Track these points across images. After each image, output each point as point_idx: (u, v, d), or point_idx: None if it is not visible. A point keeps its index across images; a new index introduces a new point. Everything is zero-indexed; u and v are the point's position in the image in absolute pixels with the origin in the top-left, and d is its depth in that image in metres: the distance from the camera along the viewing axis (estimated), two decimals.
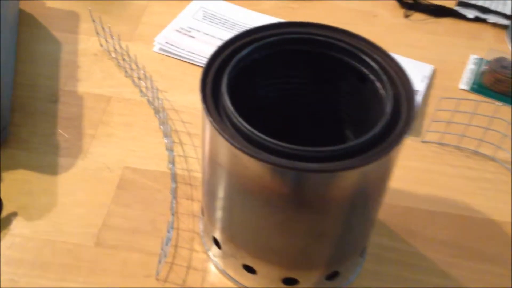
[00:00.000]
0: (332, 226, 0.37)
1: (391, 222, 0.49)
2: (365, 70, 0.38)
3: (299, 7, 0.69)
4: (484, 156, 0.54)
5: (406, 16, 0.71)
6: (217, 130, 0.33)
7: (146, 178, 0.50)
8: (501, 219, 0.49)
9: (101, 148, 0.52)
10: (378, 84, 0.37)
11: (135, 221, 0.47)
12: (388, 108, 0.35)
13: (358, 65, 0.38)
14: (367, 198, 0.37)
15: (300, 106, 0.42)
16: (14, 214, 0.46)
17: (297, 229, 0.37)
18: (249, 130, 0.33)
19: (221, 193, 0.38)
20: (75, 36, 0.63)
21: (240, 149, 0.32)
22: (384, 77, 0.36)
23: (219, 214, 0.40)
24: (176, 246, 0.45)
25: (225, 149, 0.34)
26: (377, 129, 0.33)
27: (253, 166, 0.33)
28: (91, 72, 0.59)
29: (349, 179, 0.34)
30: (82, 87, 0.57)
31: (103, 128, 0.54)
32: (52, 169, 0.50)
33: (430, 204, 0.50)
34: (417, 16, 0.70)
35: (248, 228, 0.38)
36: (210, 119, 0.34)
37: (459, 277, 0.45)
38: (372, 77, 0.37)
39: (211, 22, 0.66)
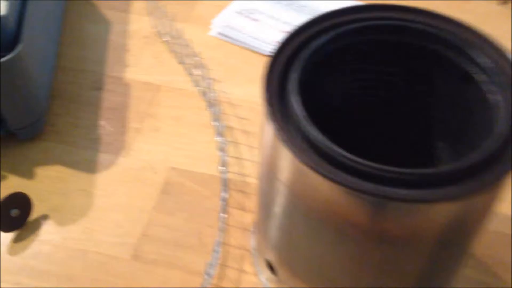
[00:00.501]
0: (415, 264, 0.30)
1: (479, 251, 0.40)
2: (471, 69, 0.29)
3: None
4: None
5: (504, 2, 0.61)
6: (282, 141, 0.26)
7: (193, 182, 0.44)
8: None
9: (146, 145, 0.46)
10: (487, 87, 0.29)
11: (178, 233, 0.40)
12: (504, 121, 0.26)
13: (462, 61, 0.30)
14: (465, 232, 0.29)
15: (381, 109, 0.34)
16: (44, 217, 0.41)
17: (372, 265, 0.29)
18: (324, 143, 0.25)
19: (280, 211, 0.31)
20: (126, 16, 0.57)
21: (313, 169, 0.25)
22: (497, 79, 0.28)
23: (275, 234, 0.33)
24: (223, 265, 0.39)
25: (289, 164, 0.27)
26: (488, 148, 0.25)
27: (326, 189, 0.26)
28: (140, 57, 0.53)
29: (448, 211, 0.26)
30: (130, 74, 0.51)
31: (149, 121, 0.48)
32: (90, 166, 0.44)
33: None
34: None
35: (311, 257, 0.31)
36: (275, 127, 0.26)
37: None
38: (480, 77, 0.29)
39: (275, 3, 0.58)
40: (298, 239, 0.31)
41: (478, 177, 0.25)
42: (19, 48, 0.40)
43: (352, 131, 0.32)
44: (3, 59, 0.39)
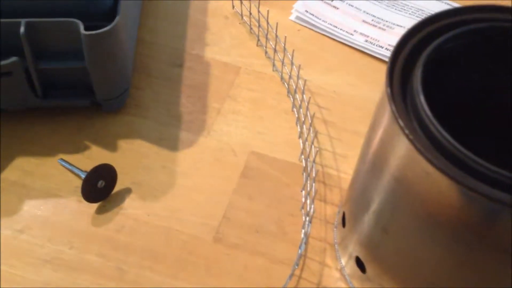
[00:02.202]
0: None
1: None
2: None
3: None
4: None
5: None
6: (412, 143, 0.25)
7: (273, 168, 0.43)
8: None
9: (226, 126, 0.46)
10: None
11: (259, 218, 0.40)
12: None
13: None
14: None
15: (497, 112, 0.34)
16: (128, 191, 0.41)
17: (483, 276, 0.29)
18: (454, 147, 0.25)
19: (382, 207, 0.31)
20: None
21: (447, 175, 0.24)
22: None
23: (370, 230, 0.33)
24: (304, 257, 0.39)
25: (411, 164, 0.27)
26: None
27: (454, 194, 0.25)
28: (220, 36, 0.53)
29: None
30: (210, 53, 0.51)
31: (229, 103, 0.47)
32: (172, 144, 0.44)
33: None
34: None
35: (412, 258, 0.31)
36: (402, 125, 0.26)
37: None
38: None
39: None
40: (400, 238, 0.31)
41: None
42: (117, 19, 0.40)
43: (468, 132, 0.32)
44: (103, 30, 0.39)
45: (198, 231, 0.39)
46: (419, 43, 0.30)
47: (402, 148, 0.27)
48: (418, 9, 0.55)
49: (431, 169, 0.25)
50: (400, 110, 0.27)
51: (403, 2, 0.56)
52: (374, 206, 0.32)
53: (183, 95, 0.48)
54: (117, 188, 0.41)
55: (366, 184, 0.32)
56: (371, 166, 0.31)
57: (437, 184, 0.26)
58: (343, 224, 0.38)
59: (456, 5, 0.31)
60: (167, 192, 0.41)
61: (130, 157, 0.43)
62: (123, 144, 0.44)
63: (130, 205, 0.41)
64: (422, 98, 0.27)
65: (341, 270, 0.38)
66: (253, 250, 0.39)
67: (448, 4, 0.55)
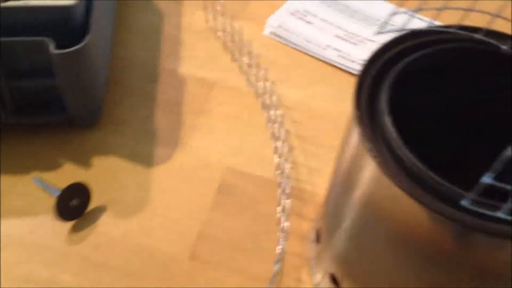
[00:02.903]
0: None
1: None
2: None
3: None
4: None
5: None
6: (378, 165, 0.26)
7: (249, 184, 0.44)
8: None
9: (201, 142, 0.46)
10: None
11: (236, 234, 0.41)
12: None
13: None
14: None
15: (464, 127, 0.35)
16: (102, 209, 0.41)
17: None
18: (420, 169, 0.26)
19: (354, 225, 0.32)
20: (179, 9, 0.57)
21: (413, 197, 0.25)
22: None
23: (344, 246, 0.34)
24: (281, 272, 0.39)
25: (377, 183, 0.27)
26: None
27: (419, 215, 0.26)
28: (195, 51, 0.53)
29: None
30: (185, 68, 0.51)
31: (204, 118, 0.48)
32: (147, 160, 0.44)
33: None
34: None
35: (384, 275, 0.31)
36: (368, 147, 0.27)
37: None
38: None
39: (328, 6, 0.58)
40: (372, 257, 0.31)
41: None
42: (87, 38, 0.40)
43: (435, 149, 0.32)
44: (73, 49, 0.39)
45: (174, 248, 0.40)
46: (386, 63, 0.30)
47: (369, 169, 0.28)
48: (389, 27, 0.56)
49: (397, 190, 0.26)
50: (367, 131, 0.28)
51: (374, 18, 0.57)
52: (346, 224, 0.32)
53: (158, 110, 0.48)
54: (92, 205, 0.41)
55: (339, 202, 0.33)
56: (342, 184, 0.32)
57: (402, 205, 0.26)
58: (318, 240, 0.38)
59: (427, 21, 0.32)
60: (143, 210, 0.41)
61: (105, 174, 0.43)
62: (97, 160, 0.44)
63: (105, 222, 0.41)
64: (388, 120, 0.27)
65: (316, 286, 0.38)
66: (229, 267, 0.39)
67: (421, 20, 0.56)
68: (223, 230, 0.41)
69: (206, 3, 0.55)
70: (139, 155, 0.45)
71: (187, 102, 0.49)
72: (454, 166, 0.31)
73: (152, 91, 0.49)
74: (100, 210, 0.41)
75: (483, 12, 0.31)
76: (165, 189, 0.43)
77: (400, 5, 0.32)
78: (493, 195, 0.24)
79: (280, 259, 0.39)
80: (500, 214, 0.24)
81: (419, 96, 0.32)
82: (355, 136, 0.28)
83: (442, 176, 0.25)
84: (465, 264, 0.27)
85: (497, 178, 0.23)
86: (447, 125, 0.34)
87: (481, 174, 0.24)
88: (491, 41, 0.30)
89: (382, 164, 0.26)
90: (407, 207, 0.26)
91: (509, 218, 0.24)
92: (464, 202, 0.24)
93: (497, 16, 0.31)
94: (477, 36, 0.31)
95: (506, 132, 0.30)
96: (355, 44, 0.54)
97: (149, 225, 0.41)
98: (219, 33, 0.54)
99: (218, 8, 0.53)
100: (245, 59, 0.52)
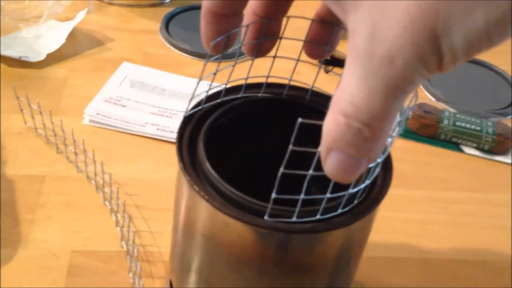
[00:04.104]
0: None
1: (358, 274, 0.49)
2: None
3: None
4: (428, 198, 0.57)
5: (326, 72, 0.74)
6: (209, 202, 0.31)
7: (98, 260, 0.46)
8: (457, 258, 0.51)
9: (42, 234, 0.47)
10: None
11: None
12: None
13: None
14: (351, 256, 0.37)
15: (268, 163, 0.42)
16: None
17: None
18: (224, 186, 0.31)
19: (201, 264, 0.36)
20: None
21: (240, 219, 0.31)
22: None
23: (196, 286, 0.38)
24: None
25: (215, 219, 0.33)
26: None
27: (247, 234, 0.32)
28: (17, 152, 0.55)
29: (341, 237, 0.33)
30: (10, 170, 0.53)
31: (40, 211, 0.49)
32: None
33: (389, 250, 0.51)
34: (337, 70, 0.74)
35: None
36: (197, 189, 0.32)
37: None
38: None
39: (139, 89, 0.64)
40: (221, 285, 0.36)
41: (358, 207, 0.33)
42: None
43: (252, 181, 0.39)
44: None
45: None
46: (197, 122, 0.37)
47: (202, 208, 0.33)
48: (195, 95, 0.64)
49: (227, 218, 0.31)
50: (194, 178, 0.33)
51: (181, 91, 0.64)
52: (195, 264, 0.37)
53: None
54: None
55: (184, 249, 0.37)
56: (183, 231, 0.37)
57: (233, 229, 0.32)
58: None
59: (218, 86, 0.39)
60: None
61: None
62: None
63: None
64: (207, 165, 0.33)
65: None
66: None
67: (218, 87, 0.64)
68: None
69: (23, 105, 0.57)
70: None
71: (20, 199, 0.50)
72: (264, 187, 0.37)
73: None
74: None
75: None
76: (15, 286, 0.43)
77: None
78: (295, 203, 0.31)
79: None
80: (294, 219, 0.30)
81: (229, 143, 0.38)
82: (185, 185, 0.34)
83: (257, 197, 0.31)
84: (287, 263, 0.33)
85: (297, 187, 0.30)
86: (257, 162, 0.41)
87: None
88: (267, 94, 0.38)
89: (211, 200, 0.31)
90: (235, 229, 0.31)
91: (303, 219, 0.30)
92: (266, 216, 0.30)
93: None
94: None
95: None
96: (169, 117, 0.61)
97: None
98: (40, 131, 0.57)
99: (35, 107, 0.56)
100: (71, 148, 0.54)
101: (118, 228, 0.48)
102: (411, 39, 0.22)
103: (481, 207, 0.57)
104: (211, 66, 0.33)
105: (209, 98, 0.38)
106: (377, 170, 0.33)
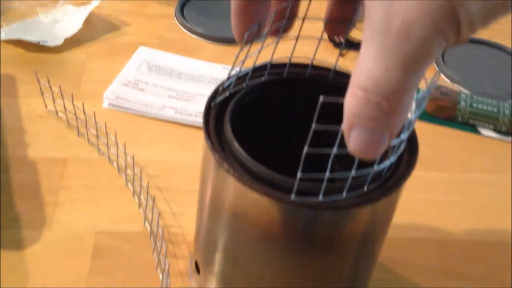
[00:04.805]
0: (341, 269, 0.37)
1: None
2: None
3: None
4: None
5: (342, 55, 0.73)
6: (238, 179, 0.32)
7: (122, 241, 0.47)
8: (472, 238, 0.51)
9: (66, 216, 0.48)
10: None
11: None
12: None
13: None
14: (377, 234, 0.37)
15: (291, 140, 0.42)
16: None
17: (302, 271, 0.35)
18: (252, 163, 0.32)
19: (228, 243, 0.37)
20: (15, 100, 0.58)
21: (268, 195, 0.31)
22: None
23: (223, 266, 0.38)
24: None
25: (244, 197, 0.33)
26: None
27: (276, 211, 0.32)
28: (39, 135, 0.55)
29: (368, 215, 0.34)
30: (33, 152, 0.53)
31: (64, 193, 0.50)
32: (16, 244, 0.45)
33: (409, 231, 0.51)
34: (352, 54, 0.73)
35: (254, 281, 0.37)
36: (226, 168, 0.32)
37: None
38: None
39: (157, 73, 0.64)
40: (249, 265, 0.36)
41: (386, 183, 0.33)
42: None
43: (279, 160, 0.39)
44: None
45: None
46: (222, 103, 0.37)
47: (230, 186, 0.33)
48: (212, 78, 0.64)
49: (256, 195, 0.32)
50: (222, 156, 0.33)
51: (198, 74, 0.65)
52: (222, 244, 0.37)
53: (16, 197, 0.49)
54: None
55: (210, 229, 0.38)
56: (210, 211, 0.37)
57: (262, 206, 0.32)
58: (198, 271, 0.42)
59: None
60: None
61: None
62: None
63: None
64: (236, 144, 0.33)
65: None
66: None
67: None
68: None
69: (44, 89, 0.57)
70: (7, 242, 0.45)
71: (44, 182, 0.50)
72: (288, 167, 0.37)
73: (6, 181, 0.50)
74: None
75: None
76: (41, 268, 0.44)
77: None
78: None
79: None
80: (321, 196, 0.30)
81: (256, 121, 0.39)
82: (212, 163, 0.34)
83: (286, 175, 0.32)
84: (315, 240, 0.33)
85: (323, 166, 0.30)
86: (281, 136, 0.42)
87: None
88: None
89: (241, 177, 0.32)
90: (263, 205, 0.32)
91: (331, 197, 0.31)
92: (293, 194, 0.30)
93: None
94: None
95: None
96: (187, 100, 0.61)
97: None
98: (60, 114, 0.57)
99: (56, 90, 0.56)
100: (92, 131, 0.55)
101: (141, 210, 0.49)
102: (427, 10, 0.22)
103: (499, 189, 0.57)
104: (233, 50, 0.33)
105: (237, 80, 0.38)
106: (402, 147, 0.33)
